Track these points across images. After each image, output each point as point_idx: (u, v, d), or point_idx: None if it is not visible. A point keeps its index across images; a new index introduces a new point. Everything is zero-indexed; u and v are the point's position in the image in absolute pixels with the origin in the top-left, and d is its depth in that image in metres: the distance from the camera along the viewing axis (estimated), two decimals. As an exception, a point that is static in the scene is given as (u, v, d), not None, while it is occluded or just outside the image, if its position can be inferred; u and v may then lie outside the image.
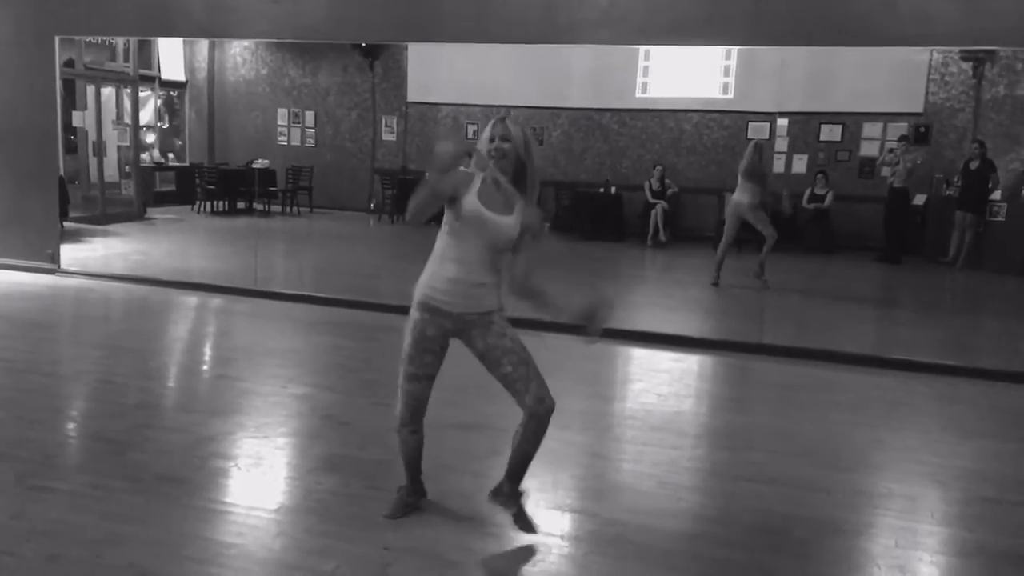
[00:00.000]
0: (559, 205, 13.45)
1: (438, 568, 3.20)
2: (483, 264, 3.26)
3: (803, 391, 5.93)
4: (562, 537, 3.51)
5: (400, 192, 13.95)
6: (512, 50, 11.71)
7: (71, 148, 12.57)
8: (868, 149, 12.69)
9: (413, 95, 14.78)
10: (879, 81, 12.06)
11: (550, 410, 3.26)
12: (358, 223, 14.48)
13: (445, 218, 3.28)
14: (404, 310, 3.40)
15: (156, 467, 4.03)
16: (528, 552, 3.36)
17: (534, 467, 3.39)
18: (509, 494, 3.47)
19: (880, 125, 12.58)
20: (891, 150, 11.85)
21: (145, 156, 14.24)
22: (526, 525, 3.47)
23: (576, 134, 14.24)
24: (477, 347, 3.32)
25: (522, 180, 3.29)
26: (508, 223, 3.23)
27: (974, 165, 10.98)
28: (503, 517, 3.69)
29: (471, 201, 3.20)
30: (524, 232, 3.26)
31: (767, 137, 12.21)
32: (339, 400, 5.26)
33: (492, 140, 3.27)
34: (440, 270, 3.27)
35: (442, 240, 3.30)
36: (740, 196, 9.25)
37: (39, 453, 4.15)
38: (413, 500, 3.68)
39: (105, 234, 11.52)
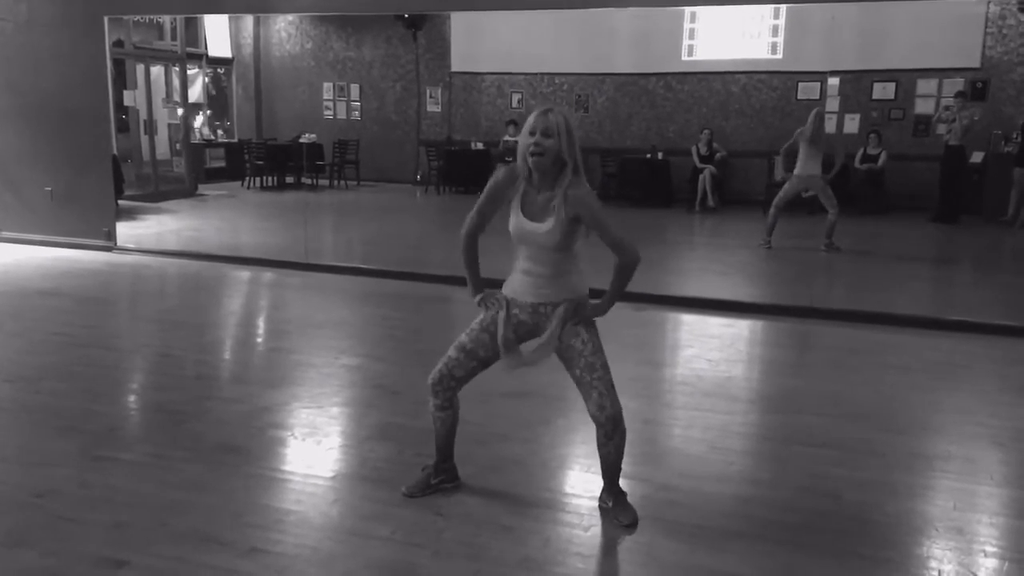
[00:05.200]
0: (604, 172, 13.35)
1: (491, 533, 3.23)
2: (538, 260, 3.20)
3: (856, 354, 5.85)
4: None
5: (446, 163, 13.98)
6: (556, 16, 11.63)
7: (123, 127, 12.77)
8: (923, 107, 12.37)
9: (457, 65, 14.72)
10: (934, 36, 11.69)
11: (611, 418, 3.18)
12: (405, 195, 14.53)
13: None
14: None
15: (215, 437, 4.13)
16: (581, 517, 3.38)
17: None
18: (607, 496, 3.39)
19: (935, 81, 12.24)
20: (947, 107, 11.55)
21: (205, 130, 14.50)
22: (623, 516, 3.34)
23: (622, 100, 14.09)
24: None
25: (560, 173, 3.11)
26: (543, 229, 3.13)
27: (1034, 121, 10.68)
28: (554, 483, 3.73)
29: (513, 217, 3.20)
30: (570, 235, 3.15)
31: (817, 97, 12.02)
32: (390, 370, 5.32)
33: (532, 134, 3.06)
34: (516, 263, 3.30)
35: None
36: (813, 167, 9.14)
37: (103, 425, 4.27)
38: (437, 482, 3.54)
39: (158, 211, 11.73)
